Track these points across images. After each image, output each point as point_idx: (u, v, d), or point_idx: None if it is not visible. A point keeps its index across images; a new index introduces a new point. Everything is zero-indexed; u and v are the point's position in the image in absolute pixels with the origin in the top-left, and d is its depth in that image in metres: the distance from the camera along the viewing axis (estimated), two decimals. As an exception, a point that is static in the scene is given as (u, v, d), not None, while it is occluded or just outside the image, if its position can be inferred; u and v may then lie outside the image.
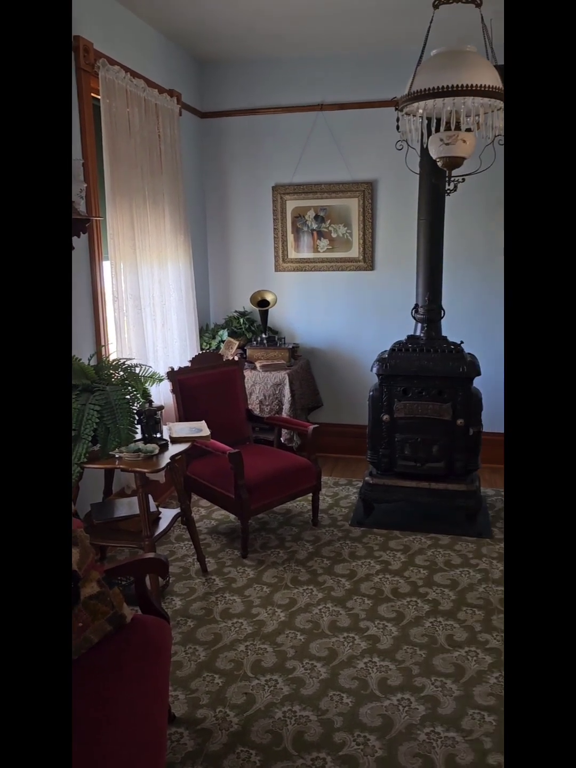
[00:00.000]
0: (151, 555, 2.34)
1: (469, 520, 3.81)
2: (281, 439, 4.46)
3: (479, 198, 4.61)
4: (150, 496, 3.13)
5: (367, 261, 4.90)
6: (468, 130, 2.46)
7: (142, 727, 1.70)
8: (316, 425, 3.95)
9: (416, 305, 3.95)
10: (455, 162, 2.46)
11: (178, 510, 3.31)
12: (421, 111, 2.47)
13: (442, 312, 3.91)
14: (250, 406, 4.44)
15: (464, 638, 2.81)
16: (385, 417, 3.85)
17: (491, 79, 2.28)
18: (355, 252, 4.91)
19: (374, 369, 3.83)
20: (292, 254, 5.03)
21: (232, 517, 4.04)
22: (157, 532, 3.06)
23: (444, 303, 4.02)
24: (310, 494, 3.91)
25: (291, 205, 4.94)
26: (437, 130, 2.50)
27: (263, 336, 4.90)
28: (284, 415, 4.52)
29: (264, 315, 4.92)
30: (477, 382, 3.83)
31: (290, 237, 5.00)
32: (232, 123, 4.94)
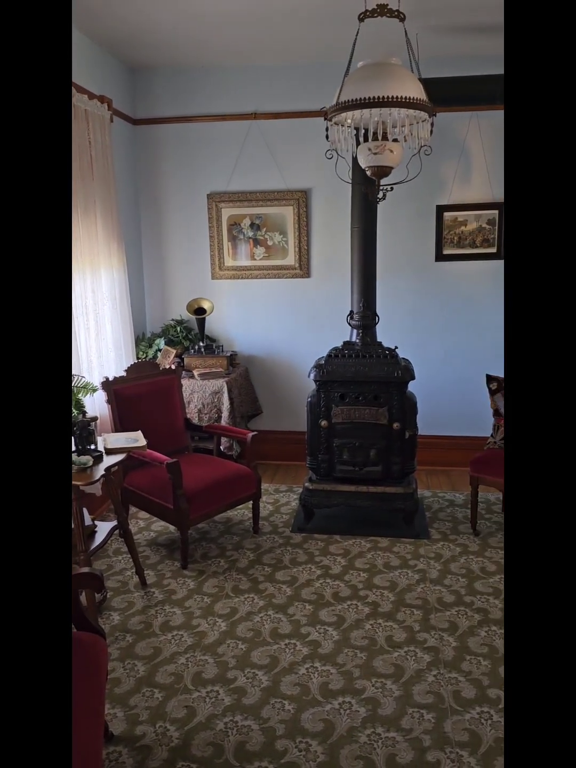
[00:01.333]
0: (85, 570, 2.28)
1: (407, 522, 3.88)
2: (221, 447, 4.44)
3: (410, 206, 4.72)
4: (85, 510, 3.05)
5: (304, 268, 4.95)
6: (395, 140, 2.52)
7: (76, 749, 1.65)
8: (255, 433, 3.95)
9: (351, 312, 4.00)
10: (383, 171, 2.52)
11: (114, 523, 3.24)
12: (349, 121, 2.52)
13: (377, 318, 3.98)
14: (188, 415, 4.40)
15: (403, 638, 2.85)
16: (324, 422, 3.88)
17: (416, 91, 2.35)
18: (291, 260, 4.95)
19: (312, 375, 3.86)
20: (229, 262, 5.02)
21: (171, 528, 3.99)
22: (92, 547, 2.98)
23: (378, 309, 4.09)
24: (251, 502, 3.90)
25: (226, 212, 4.94)
26: (366, 140, 2.56)
27: (201, 344, 4.87)
28: (223, 423, 4.50)
29: (201, 323, 4.89)
30: (411, 387, 3.92)
31: (227, 245, 4.99)
32: (165, 130, 4.90)
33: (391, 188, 2.64)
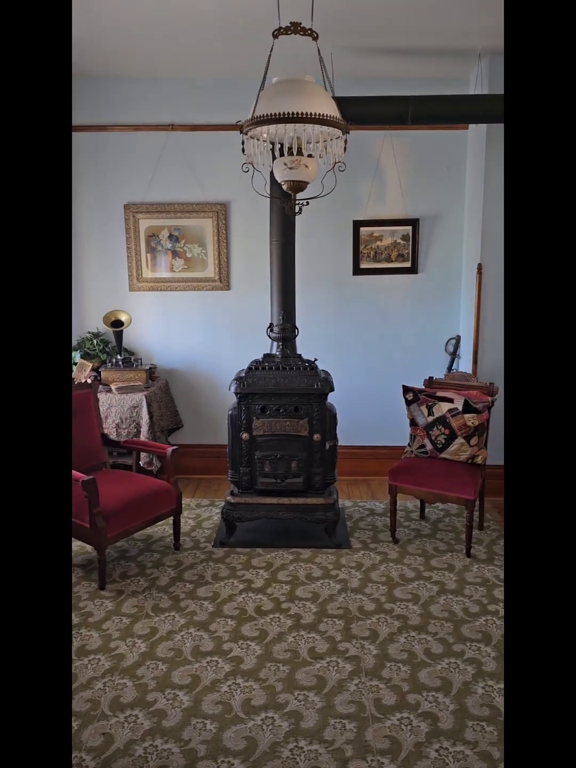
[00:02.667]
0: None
1: (329, 533, 3.91)
2: (140, 462, 4.33)
3: (328, 221, 4.81)
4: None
5: (224, 281, 4.93)
6: (310, 156, 2.56)
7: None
8: (175, 447, 3.88)
9: (271, 324, 4.02)
10: (299, 186, 2.56)
11: (26, 545, 3.09)
12: (265, 135, 2.54)
13: (296, 330, 4.01)
14: (105, 431, 4.28)
15: (325, 649, 2.86)
16: (245, 435, 3.87)
17: (329, 108, 2.39)
18: (211, 272, 4.93)
19: (232, 388, 3.84)
20: (148, 274, 4.94)
21: (88, 547, 3.85)
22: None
23: (298, 322, 4.13)
24: (171, 518, 3.83)
25: (144, 224, 4.87)
26: (282, 154, 2.59)
27: (118, 357, 4.76)
28: (143, 438, 4.40)
29: (119, 336, 4.78)
30: (331, 398, 3.97)
31: (145, 256, 4.91)
32: (80, 139, 4.78)
33: (307, 203, 2.68)
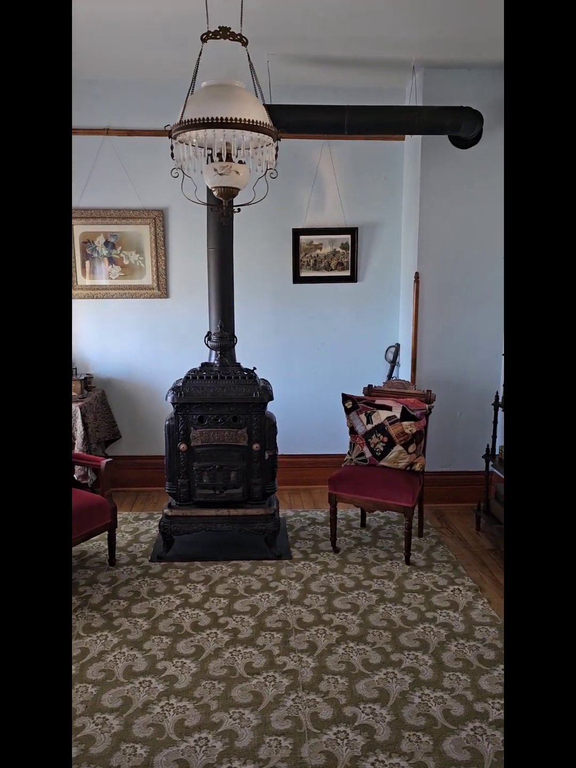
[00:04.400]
0: None
1: (269, 544, 3.86)
2: (75, 476, 4.19)
3: (267, 229, 4.78)
4: None
5: (162, 289, 4.84)
6: (241, 162, 2.52)
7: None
8: (110, 459, 3.77)
9: (209, 333, 3.96)
10: (230, 192, 2.51)
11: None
12: (195, 140, 2.49)
13: (235, 339, 3.96)
14: (37, 443, 4.12)
15: (262, 664, 2.81)
16: (182, 446, 3.78)
17: (258, 114, 2.36)
18: (148, 279, 4.83)
19: (169, 397, 3.76)
20: (83, 281, 4.81)
21: (18, 566, 3.68)
22: None
23: (238, 330, 4.08)
24: (106, 533, 3.71)
25: (79, 229, 4.73)
26: (213, 160, 2.54)
27: (52, 367, 4.59)
28: (77, 450, 4.26)
29: (53, 345, 4.61)
30: (271, 407, 3.93)
31: (81, 263, 4.78)
32: (10, 141, 4.62)
33: (239, 209, 2.64)
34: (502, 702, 2.56)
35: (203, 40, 2.39)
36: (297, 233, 4.78)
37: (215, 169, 2.44)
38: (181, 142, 2.45)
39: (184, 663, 2.81)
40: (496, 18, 3.38)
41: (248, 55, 2.46)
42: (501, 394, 4.15)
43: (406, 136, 4.67)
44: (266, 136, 2.41)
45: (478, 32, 3.59)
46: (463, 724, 2.43)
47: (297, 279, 4.86)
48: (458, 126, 4.05)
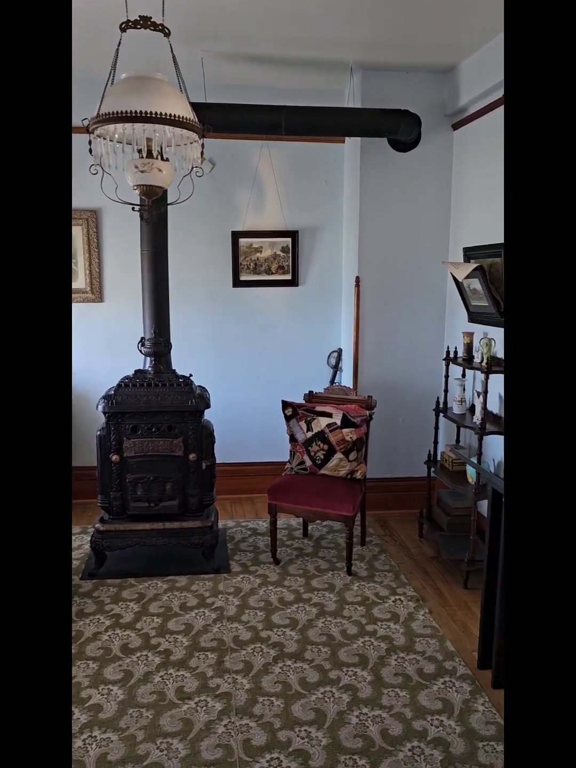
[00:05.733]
0: None
1: (206, 557, 3.72)
2: None
3: (205, 231, 4.65)
4: None
5: (96, 293, 4.65)
6: (166, 159, 2.39)
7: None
8: (36, 472, 3.56)
9: (143, 339, 3.80)
10: (153, 191, 2.38)
11: None
12: (116, 136, 2.34)
13: (170, 345, 3.81)
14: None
15: (195, 688, 2.67)
16: (114, 457, 3.61)
17: (182, 109, 2.24)
18: (82, 283, 4.63)
19: (100, 406, 3.58)
20: (11, 284, 4.57)
21: None
22: None
23: (176, 336, 3.94)
24: (32, 550, 3.49)
25: (6, 230, 4.49)
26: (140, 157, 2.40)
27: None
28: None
29: (-22, 351, 4.37)
30: (212, 414, 3.80)
31: (7, 265, 4.53)
32: None
33: (162, 209, 2.50)
34: (440, 719, 2.49)
35: (122, 30, 2.26)
36: (236, 236, 4.66)
37: (137, 167, 2.30)
38: (99, 136, 2.30)
39: (111, 690, 2.65)
40: (433, 21, 3.35)
41: (171, 48, 2.33)
42: (442, 400, 4.12)
43: (346, 138, 4.61)
44: (191, 132, 2.28)
45: (416, 35, 3.55)
46: (401, 745, 2.34)
47: (236, 283, 4.73)
48: (397, 129, 4.01)
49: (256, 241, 4.69)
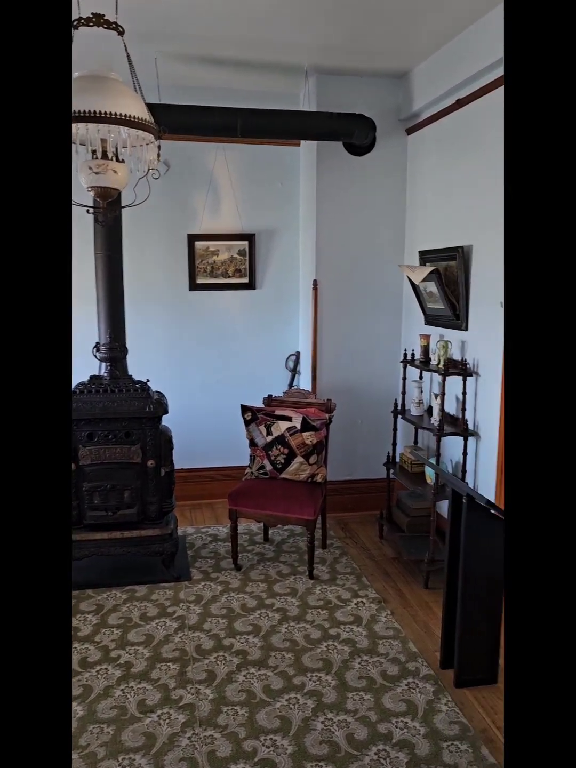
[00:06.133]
0: None
1: (166, 565, 3.65)
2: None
3: (160, 234, 4.58)
4: None
5: (48, 296, 4.52)
6: (121, 161, 2.34)
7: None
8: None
9: (98, 343, 3.71)
10: (108, 193, 2.32)
11: None
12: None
13: (126, 350, 3.74)
14: None
15: (157, 700, 2.61)
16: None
17: (138, 110, 2.19)
18: (33, 286, 4.49)
19: (54, 414, 3.48)
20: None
21: None
22: None
23: (132, 340, 3.86)
24: (-16, 564, 3.37)
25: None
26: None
27: None
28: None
29: None
30: (169, 419, 3.74)
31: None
32: None
33: (117, 212, 2.45)
34: (404, 720, 2.50)
35: (75, 27, 2.19)
36: (192, 239, 4.61)
37: (91, 168, 2.24)
38: (51, 137, 2.22)
39: (70, 706, 2.57)
40: (386, 27, 3.38)
41: (125, 47, 2.28)
42: (399, 402, 4.16)
43: (302, 141, 4.61)
44: (147, 133, 2.23)
45: (369, 40, 3.58)
46: (367, 749, 2.34)
47: (193, 286, 4.68)
48: (352, 133, 4.03)
49: (212, 244, 4.65)
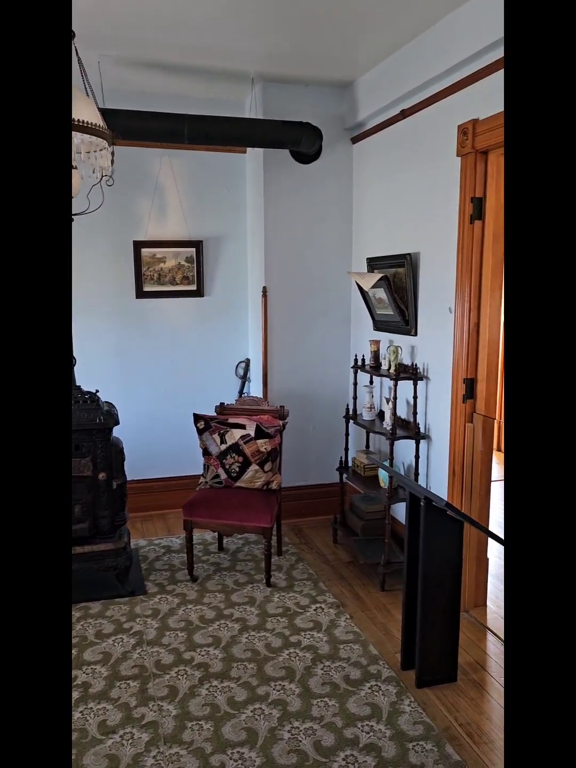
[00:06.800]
0: None
1: (121, 580, 3.56)
2: None
3: (106, 241, 4.49)
4: None
5: (-13, 305, 4.36)
6: (74, 167, 2.28)
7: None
8: None
9: (44, 354, 3.59)
10: (60, 200, 2.25)
11: None
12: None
13: (73, 360, 3.63)
14: None
15: (118, 720, 2.54)
16: (17, 481, 3.38)
17: (90, 115, 2.14)
18: (-29, 295, 4.32)
19: None
20: None
21: None
22: None
23: (77, 350, 3.75)
24: None
25: None
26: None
27: None
28: None
29: None
30: (118, 431, 3.65)
31: None
32: None
33: (72, 219, 2.38)
34: (370, 724, 2.52)
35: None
36: (138, 246, 4.54)
37: (42, 174, 2.17)
38: None
39: (26, 733, 2.47)
40: (330, 37, 3.42)
41: (76, 51, 2.23)
42: (351, 407, 4.20)
43: (248, 148, 4.61)
44: (100, 139, 2.18)
45: (315, 49, 3.61)
46: (335, 755, 2.35)
47: (140, 294, 4.60)
48: (298, 141, 4.06)
49: (159, 251, 4.58)
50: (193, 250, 4.65)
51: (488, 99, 2.97)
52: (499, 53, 2.83)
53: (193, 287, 4.70)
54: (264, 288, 4.42)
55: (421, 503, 2.67)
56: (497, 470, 5.40)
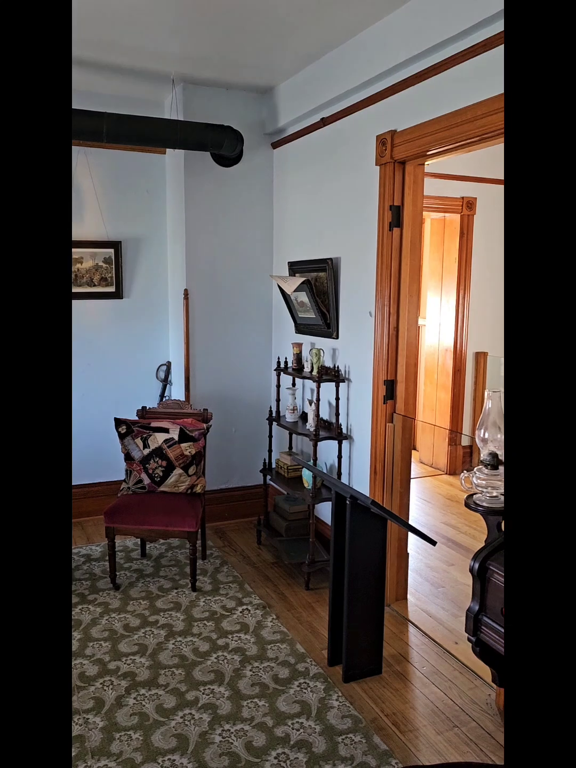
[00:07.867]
0: None
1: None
2: None
3: (19, 240, 4.31)
4: None
5: None
6: None
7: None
8: None
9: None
10: None
11: None
12: None
13: None
14: None
15: (42, 736, 2.45)
16: None
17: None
18: None
19: None
20: None
21: None
22: None
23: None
24: None
25: None
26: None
27: None
28: None
29: None
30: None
31: None
32: None
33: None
34: (300, 721, 2.56)
35: None
36: (54, 245, 4.38)
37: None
38: None
39: None
40: (251, 44, 3.45)
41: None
42: (274, 409, 4.24)
43: (168, 150, 4.57)
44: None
45: (236, 54, 3.63)
46: (267, 754, 2.37)
47: (56, 295, 4.45)
48: (220, 144, 4.06)
49: (75, 252, 4.45)
50: (112, 250, 4.55)
51: (406, 111, 3.09)
52: (418, 67, 2.95)
53: (112, 289, 4.60)
54: (185, 290, 4.39)
55: (347, 502, 2.74)
56: (415, 468, 5.60)
